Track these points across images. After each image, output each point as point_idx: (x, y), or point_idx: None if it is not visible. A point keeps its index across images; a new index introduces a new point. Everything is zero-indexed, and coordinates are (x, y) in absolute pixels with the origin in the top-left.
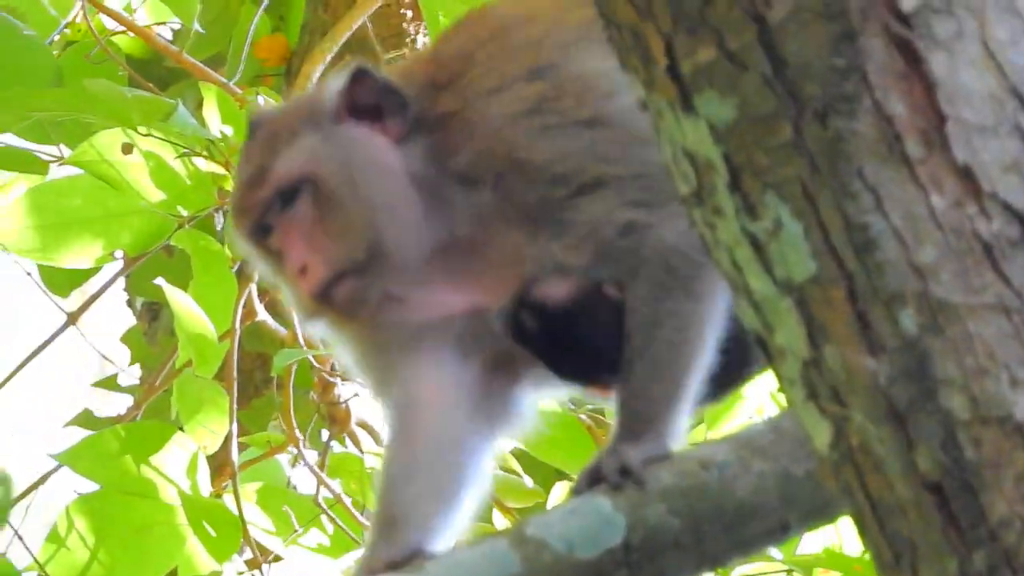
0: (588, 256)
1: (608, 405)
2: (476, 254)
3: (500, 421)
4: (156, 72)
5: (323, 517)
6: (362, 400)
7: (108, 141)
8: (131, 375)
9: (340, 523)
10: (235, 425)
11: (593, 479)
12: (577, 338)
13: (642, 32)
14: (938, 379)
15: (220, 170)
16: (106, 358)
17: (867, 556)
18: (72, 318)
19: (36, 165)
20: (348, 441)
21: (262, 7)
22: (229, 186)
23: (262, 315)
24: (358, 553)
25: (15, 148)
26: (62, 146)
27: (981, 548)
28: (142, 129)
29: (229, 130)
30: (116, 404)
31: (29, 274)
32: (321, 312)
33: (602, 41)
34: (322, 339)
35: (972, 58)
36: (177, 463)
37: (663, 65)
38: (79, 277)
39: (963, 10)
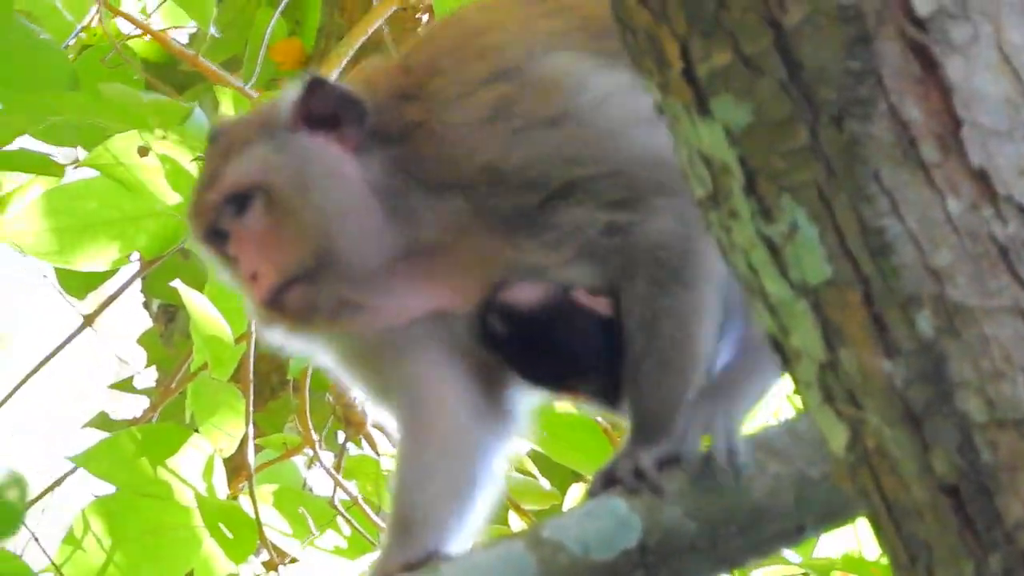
0: (571, 259)
1: (583, 410)
2: (444, 260)
3: (501, 421)
4: (172, 76)
5: (339, 519)
6: None
7: (124, 144)
8: (147, 377)
9: (356, 525)
10: (251, 427)
11: (608, 481)
12: (545, 343)
13: (657, 36)
14: (954, 382)
15: None
16: (122, 360)
17: (884, 559)
18: (88, 320)
19: (52, 168)
20: (364, 443)
21: (278, 11)
22: None
23: None
24: (374, 555)
25: (31, 151)
26: (78, 149)
27: (997, 551)
28: (158, 132)
29: None
30: (132, 406)
31: (45, 276)
32: (274, 319)
33: (569, 48)
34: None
35: (988, 62)
36: (193, 465)
37: (678, 69)
38: (95, 279)
39: (979, 15)
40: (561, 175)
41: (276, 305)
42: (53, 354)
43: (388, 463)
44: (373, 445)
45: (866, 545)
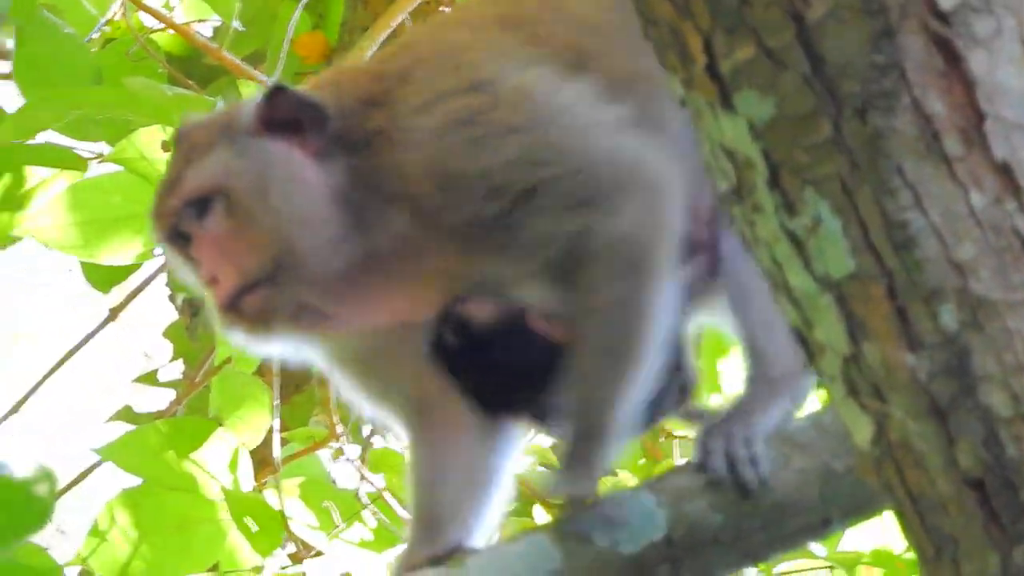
0: (530, 274)
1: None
2: (400, 272)
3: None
4: (196, 70)
5: (365, 512)
6: None
7: (148, 138)
8: (172, 371)
9: (382, 517)
10: (277, 420)
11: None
12: (493, 360)
13: (681, 30)
14: (978, 375)
15: None
16: (147, 354)
17: (910, 553)
18: (113, 314)
19: (76, 162)
20: (389, 436)
21: (301, 4)
22: None
23: None
24: (400, 548)
25: (56, 145)
26: (102, 143)
27: (1022, 544)
28: None
29: None
30: (157, 400)
31: (70, 270)
32: (233, 322)
33: (549, 69)
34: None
35: (1011, 56)
36: (219, 458)
37: (702, 63)
38: (120, 273)
39: (1002, 8)
40: (524, 178)
41: (234, 309)
42: (78, 348)
43: None
44: (398, 438)
45: (893, 538)
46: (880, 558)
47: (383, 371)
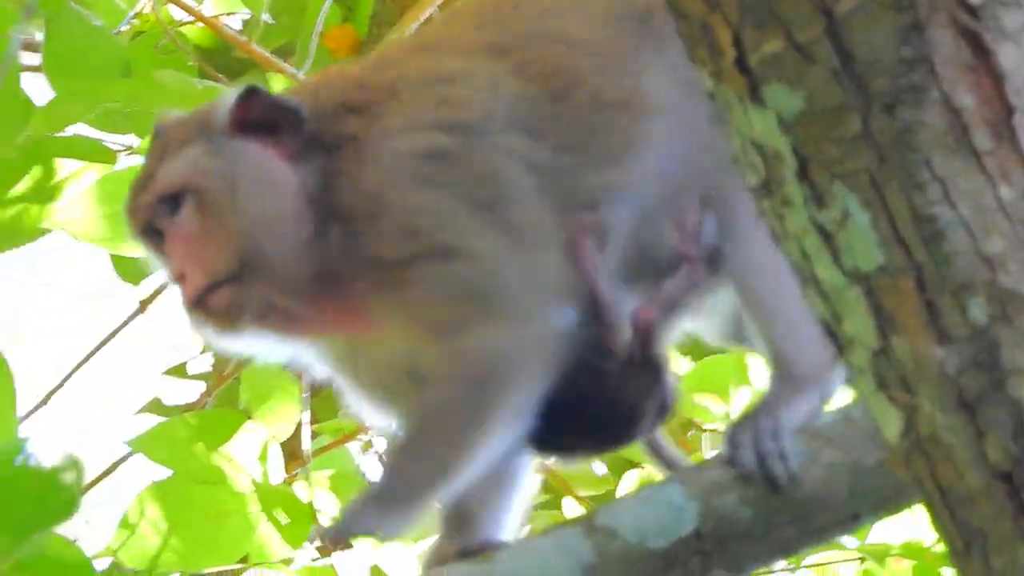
0: (407, 334)
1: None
2: (344, 286)
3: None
4: (225, 62)
5: None
6: None
7: None
8: (202, 363)
9: None
10: (307, 413)
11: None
12: None
13: (710, 24)
14: (1007, 369)
15: None
16: (176, 346)
17: (940, 545)
18: (143, 306)
19: (106, 155)
20: None
21: None
22: None
23: None
24: (430, 541)
25: (85, 138)
26: (131, 136)
27: None
28: None
29: None
30: (187, 392)
31: (100, 262)
32: (200, 320)
33: (526, 128)
34: None
35: None
36: (249, 451)
37: (731, 57)
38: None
39: None
40: (446, 237)
41: (200, 306)
42: (108, 340)
43: None
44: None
45: (923, 531)
46: (910, 551)
47: (375, 374)
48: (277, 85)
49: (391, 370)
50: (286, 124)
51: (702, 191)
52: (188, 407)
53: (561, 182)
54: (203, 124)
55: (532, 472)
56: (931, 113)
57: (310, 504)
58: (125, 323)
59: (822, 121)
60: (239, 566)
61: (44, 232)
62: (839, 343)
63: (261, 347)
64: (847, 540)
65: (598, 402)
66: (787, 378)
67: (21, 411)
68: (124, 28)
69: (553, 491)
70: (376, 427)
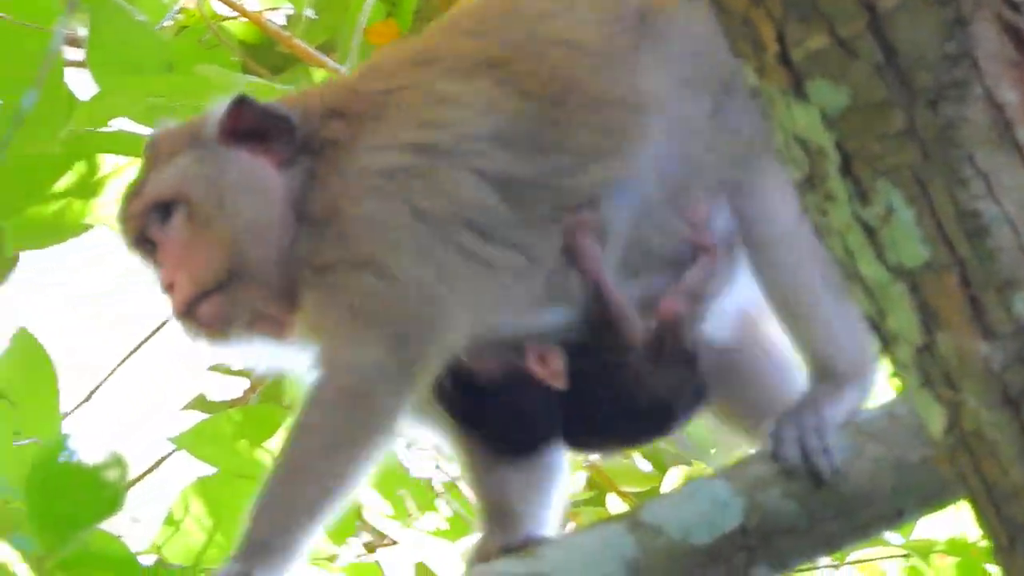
0: (311, 330)
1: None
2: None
3: None
4: (268, 57)
5: (439, 500)
6: None
7: None
8: None
9: (457, 506)
10: None
11: None
12: (502, 410)
13: (753, 19)
14: None
15: None
16: None
17: (985, 541)
18: None
19: None
20: None
21: None
22: None
23: None
24: (473, 537)
25: (128, 133)
26: None
27: None
28: None
29: None
30: (231, 388)
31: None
32: (190, 329)
33: (520, 140)
34: None
35: None
36: None
37: (774, 52)
38: None
39: None
40: (366, 247)
41: (190, 316)
42: (152, 335)
43: None
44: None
45: (967, 527)
46: (955, 547)
47: None
48: (320, 80)
49: None
50: (277, 132)
51: (707, 187)
52: (232, 403)
53: (559, 182)
54: (194, 134)
55: (571, 467)
56: (974, 109)
57: (354, 500)
58: (169, 319)
59: (866, 117)
60: None
61: (87, 228)
62: (883, 339)
63: (255, 352)
64: (891, 536)
65: (627, 397)
66: (827, 376)
67: (64, 408)
68: (168, 23)
69: (597, 487)
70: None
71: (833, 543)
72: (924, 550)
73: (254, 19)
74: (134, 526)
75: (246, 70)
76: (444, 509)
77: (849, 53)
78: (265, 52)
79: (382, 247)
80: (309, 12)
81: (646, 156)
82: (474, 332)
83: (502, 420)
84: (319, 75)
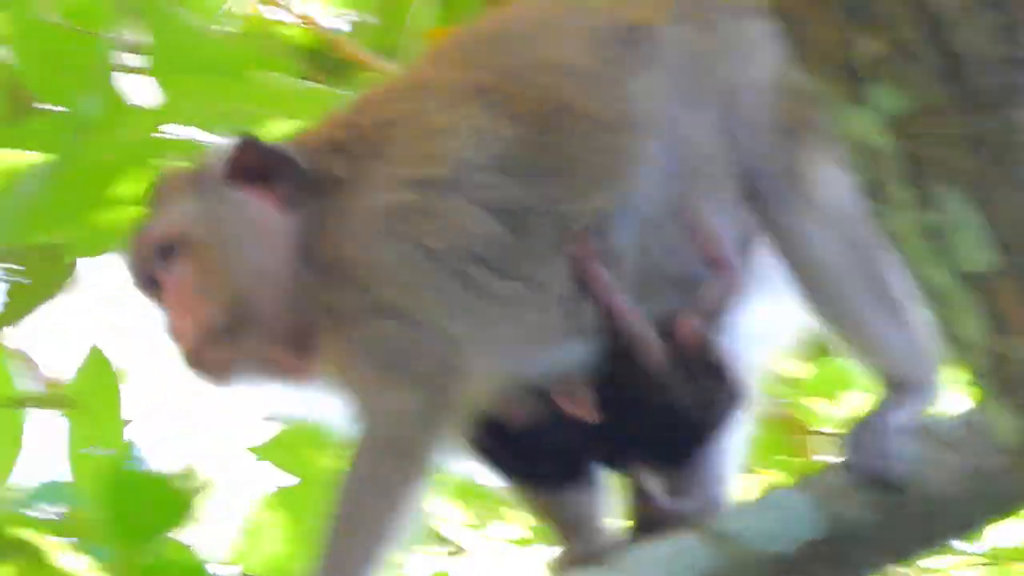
0: (342, 381)
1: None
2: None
3: None
4: (329, 64)
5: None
6: None
7: (278, 132)
8: None
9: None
10: None
11: None
12: (534, 452)
13: (814, 24)
14: None
15: None
16: None
17: None
18: None
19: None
20: None
21: None
22: None
23: None
24: (543, 546)
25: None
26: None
27: None
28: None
29: None
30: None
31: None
32: (197, 373)
33: (514, 167)
34: None
35: None
36: None
37: (835, 57)
38: None
39: None
40: (388, 295)
41: (197, 363)
42: None
43: None
44: None
45: None
46: None
47: None
48: None
49: None
50: (281, 172)
51: (719, 202)
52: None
53: (560, 208)
54: (200, 174)
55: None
56: None
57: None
58: None
59: (927, 121)
60: None
61: None
62: (955, 346)
63: (278, 394)
64: (967, 544)
65: (661, 417)
66: (891, 385)
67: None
68: (229, 29)
69: None
70: None
71: (909, 552)
72: (1001, 558)
73: (314, 25)
74: (207, 535)
75: (305, 77)
76: (512, 518)
77: (910, 58)
78: (325, 59)
79: (402, 293)
80: (370, 18)
81: (647, 176)
82: (498, 371)
83: (544, 463)
84: (378, 80)
